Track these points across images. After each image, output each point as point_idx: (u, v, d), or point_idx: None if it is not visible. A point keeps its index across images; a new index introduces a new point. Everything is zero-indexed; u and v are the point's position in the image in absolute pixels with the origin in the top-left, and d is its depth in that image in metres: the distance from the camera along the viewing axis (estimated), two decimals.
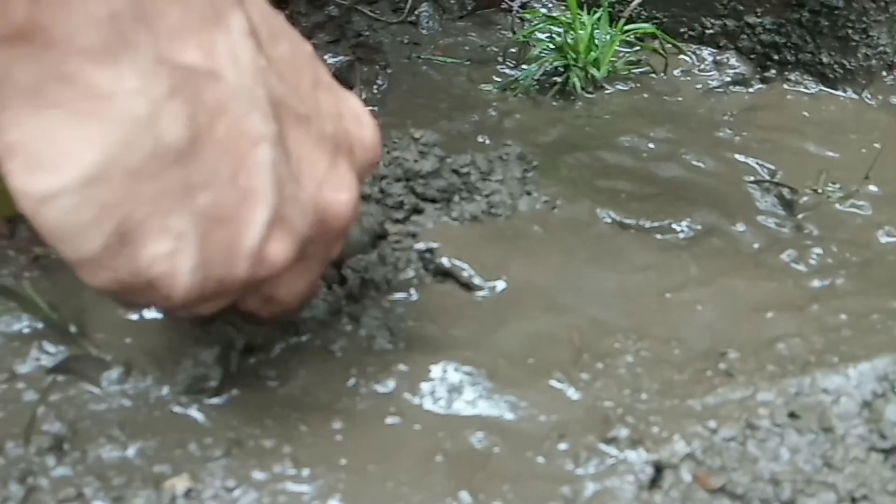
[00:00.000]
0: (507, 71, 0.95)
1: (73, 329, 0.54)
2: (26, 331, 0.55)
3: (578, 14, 0.90)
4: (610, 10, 0.93)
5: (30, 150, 0.35)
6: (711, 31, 0.95)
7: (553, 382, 0.52)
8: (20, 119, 0.34)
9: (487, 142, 0.80)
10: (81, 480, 0.46)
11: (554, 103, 0.88)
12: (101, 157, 0.35)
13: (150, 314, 0.55)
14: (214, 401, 0.50)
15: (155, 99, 0.35)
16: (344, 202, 0.43)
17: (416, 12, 1.03)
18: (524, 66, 0.93)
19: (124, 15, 0.34)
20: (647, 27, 0.92)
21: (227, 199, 0.38)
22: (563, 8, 1.01)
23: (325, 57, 0.87)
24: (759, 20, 0.92)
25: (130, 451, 0.47)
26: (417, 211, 0.69)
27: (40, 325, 0.55)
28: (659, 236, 0.67)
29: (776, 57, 0.93)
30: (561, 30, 0.92)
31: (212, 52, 0.38)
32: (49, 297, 0.56)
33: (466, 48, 0.99)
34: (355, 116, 0.46)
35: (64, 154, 0.35)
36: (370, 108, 0.85)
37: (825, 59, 0.90)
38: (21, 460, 0.47)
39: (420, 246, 0.63)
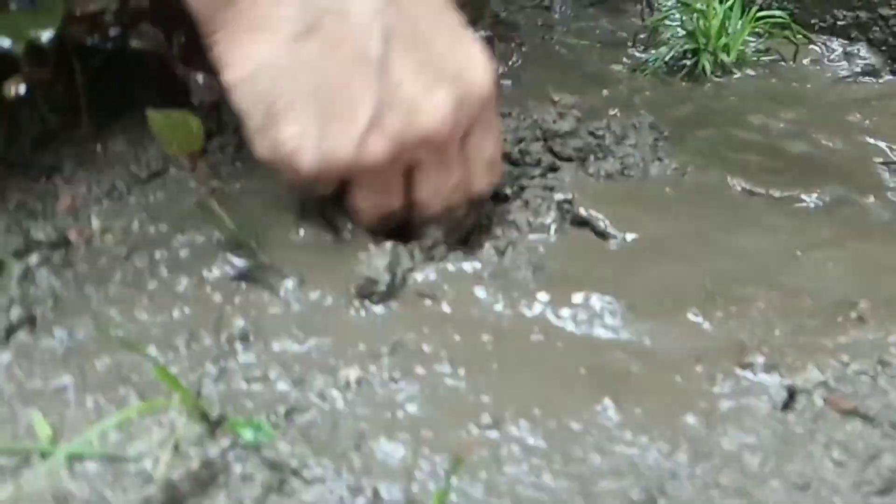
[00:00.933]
0: (636, 54, 0.99)
1: (253, 244, 0.61)
2: (213, 244, 0.62)
3: (711, 1, 0.93)
4: None
5: (226, 57, 0.55)
6: (843, 22, 0.97)
7: (689, 316, 0.55)
8: (222, 39, 0.55)
9: (618, 114, 0.84)
10: (267, 366, 0.52)
11: (683, 84, 0.92)
12: (258, 63, 0.54)
13: (323, 238, 0.62)
14: (378, 309, 0.56)
15: (300, 29, 0.53)
16: (432, 119, 0.54)
17: None
18: (653, 50, 0.97)
19: None
20: (779, 15, 0.95)
21: (342, 101, 0.53)
22: None
23: None
24: (893, 12, 0.93)
25: (307, 346, 0.54)
26: (554, 169, 0.73)
27: (224, 240, 0.62)
28: (789, 204, 0.70)
29: None
30: (691, 16, 0.95)
31: None
32: (229, 219, 0.63)
33: (597, 32, 1.03)
34: (469, 56, 0.56)
35: (241, 59, 0.54)
36: (506, 81, 0.91)
37: None
38: (213, 347, 0.54)
39: (559, 196, 0.68)
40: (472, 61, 0.56)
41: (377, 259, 0.56)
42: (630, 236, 0.65)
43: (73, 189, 0.67)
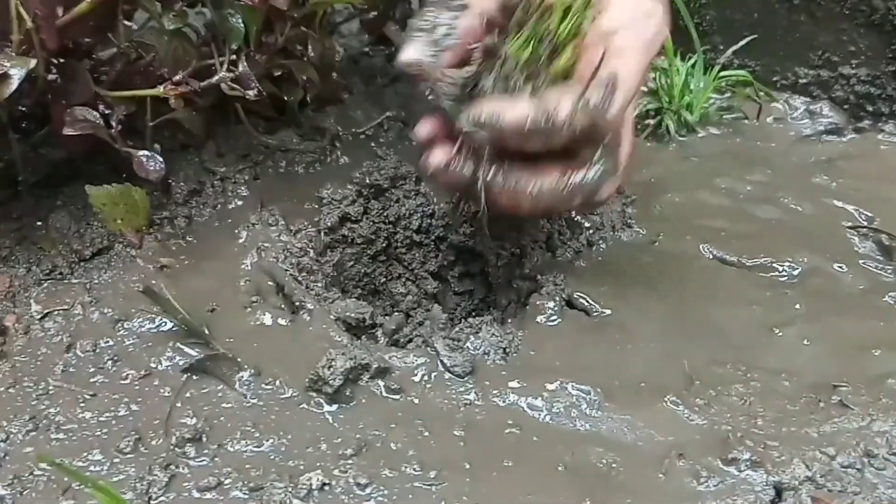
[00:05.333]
0: None
1: (205, 331, 0.57)
2: (161, 332, 0.58)
3: (674, 59, 0.92)
4: (703, 56, 0.95)
5: None
6: (805, 80, 0.97)
7: (668, 405, 0.53)
8: None
9: None
10: (220, 471, 0.48)
11: (648, 144, 0.90)
12: None
13: (280, 321, 0.58)
14: (341, 402, 0.52)
15: None
16: None
17: None
18: None
19: None
20: (742, 74, 0.94)
21: None
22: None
23: None
24: (854, 72, 0.93)
25: (265, 447, 0.50)
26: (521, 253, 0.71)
27: (174, 327, 0.58)
28: (761, 274, 0.68)
29: (870, 108, 0.94)
30: (653, 74, 0.95)
31: None
32: (178, 302, 0.59)
33: None
34: None
35: None
36: None
37: None
38: (162, 450, 0.50)
39: (526, 274, 0.65)
40: None
41: (339, 359, 0.52)
42: (604, 313, 0.62)
43: (10, 270, 0.63)
